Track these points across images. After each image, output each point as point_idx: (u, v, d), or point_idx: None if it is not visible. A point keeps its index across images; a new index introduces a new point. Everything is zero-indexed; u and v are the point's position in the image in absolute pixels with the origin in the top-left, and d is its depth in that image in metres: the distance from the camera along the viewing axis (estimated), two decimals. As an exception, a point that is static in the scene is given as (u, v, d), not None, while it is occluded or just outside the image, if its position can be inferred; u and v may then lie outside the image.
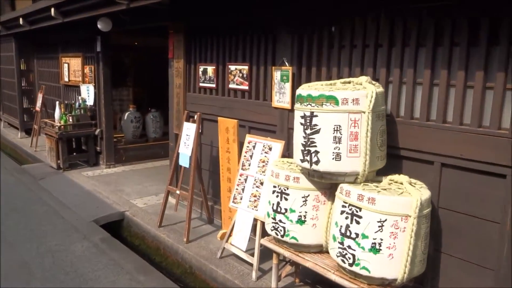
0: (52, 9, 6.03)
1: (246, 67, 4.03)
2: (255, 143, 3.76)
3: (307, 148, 2.69)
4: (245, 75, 4.07)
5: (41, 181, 6.27)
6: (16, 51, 9.58)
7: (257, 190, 3.62)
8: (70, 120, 6.77)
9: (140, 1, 4.41)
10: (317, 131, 2.62)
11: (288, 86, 3.61)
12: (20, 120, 9.72)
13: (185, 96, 4.89)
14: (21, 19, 7.49)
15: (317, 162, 2.65)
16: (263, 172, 3.62)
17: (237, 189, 3.80)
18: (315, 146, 2.64)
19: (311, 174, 2.81)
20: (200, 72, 4.64)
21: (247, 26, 4.05)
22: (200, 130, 4.28)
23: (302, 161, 2.74)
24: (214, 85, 4.47)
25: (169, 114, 5.25)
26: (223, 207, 4.28)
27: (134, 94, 8.74)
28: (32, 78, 9.98)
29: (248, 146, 3.81)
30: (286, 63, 3.62)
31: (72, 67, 7.57)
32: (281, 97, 3.70)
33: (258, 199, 3.60)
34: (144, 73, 8.94)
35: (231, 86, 4.25)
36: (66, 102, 7.30)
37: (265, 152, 3.65)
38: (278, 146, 3.56)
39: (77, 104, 6.99)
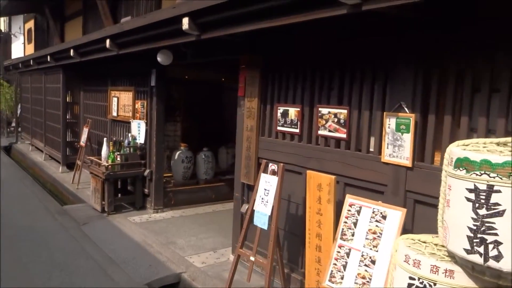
0: (108, 41, 5.58)
1: (345, 111, 3.31)
2: (360, 208, 2.98)
3: (479, 236, 1.89)
4: (342, 121, 3.35)
5: (84, 227, 5.65)
6: (63, 83, 9.29)
7: (366, 270, 2.81)
8: (118, 159, 6.21)
9: (212, 33, 3.82)
10: (499, 213, 1.83)
11: (408, 138, 2.85)
12: (62, 153, 9.32)
13: (258, 140, 4.20)
14: (72, 51, 7.13)
15: (497, 258, 1.84)
16: (374, 246, 2.82)
17: (335, 264, 3.00)
18: (495, 234, 1.85)
19: (478, 270, 2.00)
20: (279, 114, 3.95)
21: (346, 59, 3.36)
22: (281, 184, 3.54)
23: (469, 252, 1.93)
24: (297, 130, 3.77)
25: (236, 160, 4.55)
26: (308, 280, 3.47)
27: (182, 130, 8.15)
28: (77, 110, 9.65)
29: (349, 210, 3.03)
30: (406, 109, 2.88)
31: (121, 101, 7.10)
32: (395, 151, 2.94)
33: (368, 282, 2.79)
34: (194, 108, 8.43)
35: (322, 132, 3.52)
36: (114, 139, 6.78)
37: (377, 221, 2.86)
38: (397, 215, 2.77)
39: (126, 141, 6.44)
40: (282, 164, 3.53)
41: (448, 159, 2.13)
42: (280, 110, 3.95)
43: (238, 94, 4.44)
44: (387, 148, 3.01)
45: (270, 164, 3.70)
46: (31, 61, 10.31)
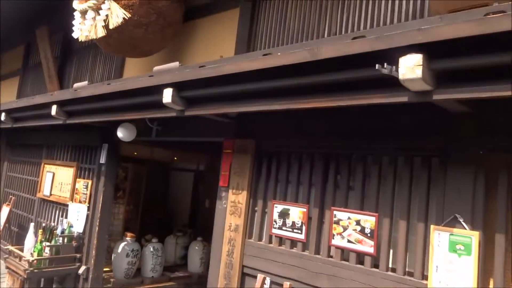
0: (54, 107, 4.63)
1: (373, 219, 2.65)
2: None
3: None
4: (367, 230, 2.67)
5: None
6: (-16, 150, 7.92)
7: None
8: (47, 251, 4.94)
9: (201, 109, 3.10)
10: None
11: (469, 262, 2.22)
12: (-31, 235, 7.61)
13: (244, 244, 3.37)
14: (3, 114, 6.01)
15: None
16: None
17: None
18: None
19: None
20: (276, 214, 3.21)
21: (372, 148, 2.79)
22: (285, 310, 2.70)
23: None
24: (302, 237, 3.02)
25: (210, 265, 3.62)
26: None
27: (125, 214, 7.05)
28: (-4, 183, 8.15)
29: None
30: (464, 224, 2.28)
31: (58, 178, 5.94)
32: (449, 278, 2.28)
33: None
34: (139, 188, 7.43)
35: (337, 243, 2.80)
36: (44, 225, 5.52)
37: None
38: None
39: (59, 229, 5.22)
40: (289, 282, 2.72)
41: None
42: (278, 208, 3.21)
43: (219, 184, 3.66)
44: (436, 272, 2.34)
45: (266, 279, 2.87)
46: None
